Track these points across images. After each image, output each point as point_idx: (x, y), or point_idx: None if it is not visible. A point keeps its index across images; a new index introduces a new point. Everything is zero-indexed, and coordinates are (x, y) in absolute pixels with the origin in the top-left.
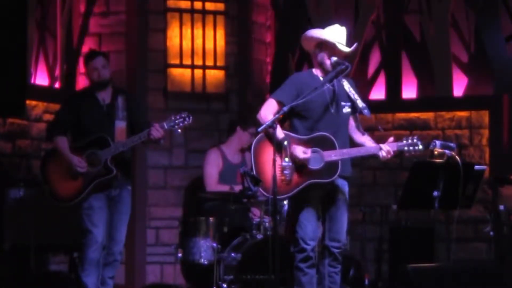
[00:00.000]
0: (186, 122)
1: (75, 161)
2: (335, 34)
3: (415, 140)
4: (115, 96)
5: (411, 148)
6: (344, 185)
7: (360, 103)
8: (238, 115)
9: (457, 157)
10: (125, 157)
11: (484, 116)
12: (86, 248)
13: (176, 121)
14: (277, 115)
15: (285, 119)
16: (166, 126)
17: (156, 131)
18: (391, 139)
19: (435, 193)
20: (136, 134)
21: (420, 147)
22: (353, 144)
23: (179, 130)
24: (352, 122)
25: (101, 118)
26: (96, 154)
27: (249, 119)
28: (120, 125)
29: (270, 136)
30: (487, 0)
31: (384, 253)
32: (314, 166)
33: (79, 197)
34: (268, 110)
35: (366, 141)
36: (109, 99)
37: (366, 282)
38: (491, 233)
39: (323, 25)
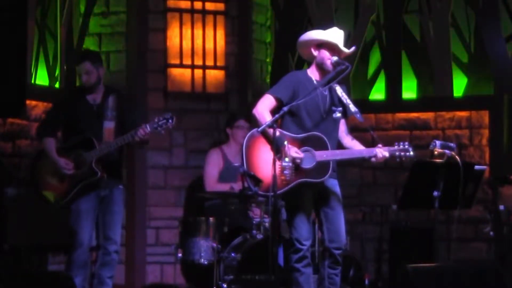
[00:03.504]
0: (169, 124)
1: (61, 164)
2: (335, 35)
3: (406, 146)
4: (106, 96)
5: (401, 153)
6: (335, 185)
7: (352, 108)
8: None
9: (457, 157)
10: (112, 158)
11: (484, 116)
12: (71, 250)
13: (159, 123)
14: (277, 116)
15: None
16: (149, 128)
17: (142, 132)
18: (380, 145)
19: (435, 193)
20: (127, 132)
21: (411, 153)
22: (342, 148)
23: (163, 132)
24: (342, 127)
25: (90, 118)
26: (81, 156)
27: (233, 116)
28: (108, 125)
29: (268, 136)
30: (487, 0)
31: (384, 253)
32: (306, 165)
33: (65, 199)
34: (264, 105)
35: (356, 145)
36: (100, 99)
37: (366, 282)
38: (491, 233)
39: (323, 25)
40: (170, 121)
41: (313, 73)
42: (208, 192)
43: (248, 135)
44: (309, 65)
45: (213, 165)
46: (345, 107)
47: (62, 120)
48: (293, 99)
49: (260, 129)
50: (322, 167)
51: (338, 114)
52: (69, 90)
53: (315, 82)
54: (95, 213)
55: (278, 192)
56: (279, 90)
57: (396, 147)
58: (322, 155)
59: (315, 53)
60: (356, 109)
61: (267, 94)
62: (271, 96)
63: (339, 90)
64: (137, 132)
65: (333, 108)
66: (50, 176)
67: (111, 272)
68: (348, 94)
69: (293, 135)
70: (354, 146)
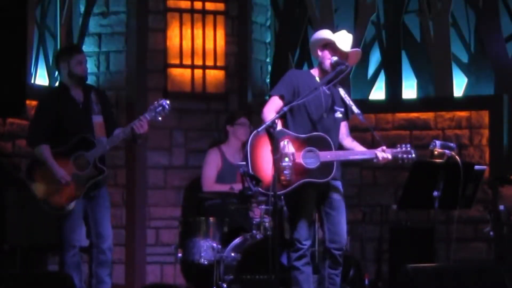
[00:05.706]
0: (166, 110)
1: (61, 174)
2: (341, 38)
3: (408, 149)
4: (86, 92)
5: (404, 156)
6: (338, 186)
7: (355, 109)
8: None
9: (457, 157)
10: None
11: (484, 116)
12: (63, 253)
13: (157, 110)
14: (277, 115)
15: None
16: (148, 117)
17: (141, 124)
18: (384, 147)
19: (435, 193)
20: (110, 127)
21: (413, 156)
22: (342, 149)
23: (160, 118)
24: (343, 129)
25: (78, 115)
26: (83, 156)
27: (234, 113)
28: (98, 119)
29: (271, 135)
30: (487, 0)
31: (384, 253)
32: (310, 165)
33: (74, 202)
34: (271, 107)
35: (356, 146)
36: (82, 95)
37: (366, 282)
38: (491, 233)
39: (323, 25)
40: (166, 106)
41: (315, 72)
42: (208, 192)
43: (252, 135)
44: (309, 64)
45: (212, 165)
46: (347, 108)
47: (51, 123)
48: (294, 95)
49: (260, 129)
50: (325, 167)
51: (340, 115)
52: (51, 90)
53: (318, 80)
54: (84, 213)
55: (282, 192)
56: (280, 88)
57: (398, 149)
58: (326, 155)
59: (319, 53)
60: (359, 111)
61: (272, 96)
62: (275, 97)
63: (341, 91)
64: (136, 122)
65: (335, 107)
66: (53, 183)
67: (109, 270)
68: (349, 95)
69: (297, 135)
70: (355, 148)
